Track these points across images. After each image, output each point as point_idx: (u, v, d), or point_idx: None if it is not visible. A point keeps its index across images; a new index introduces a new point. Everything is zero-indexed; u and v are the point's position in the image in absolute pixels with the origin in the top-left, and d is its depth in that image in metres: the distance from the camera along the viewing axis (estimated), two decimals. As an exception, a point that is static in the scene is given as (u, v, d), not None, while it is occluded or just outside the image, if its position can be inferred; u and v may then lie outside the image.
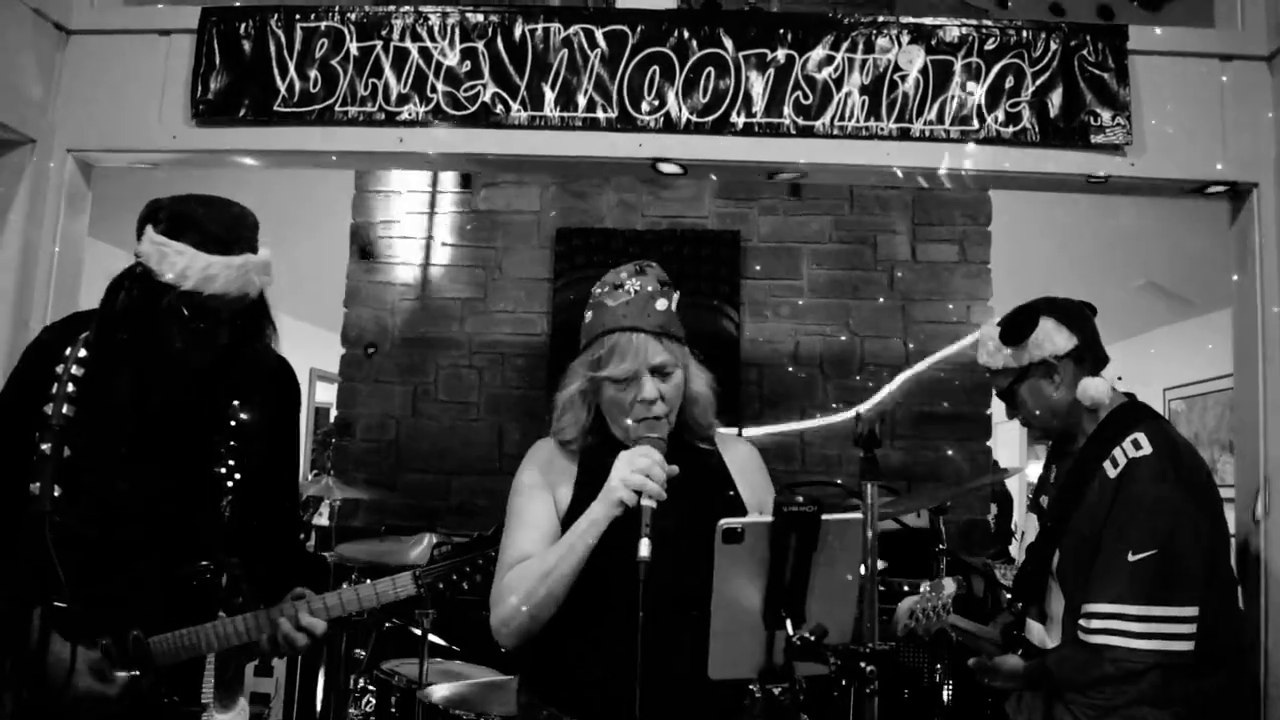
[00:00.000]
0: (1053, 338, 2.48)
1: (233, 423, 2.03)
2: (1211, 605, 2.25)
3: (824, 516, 1.45)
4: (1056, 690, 2.35)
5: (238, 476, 2.01)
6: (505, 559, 1.91)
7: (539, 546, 1.89)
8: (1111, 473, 2.34)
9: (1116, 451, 2.36)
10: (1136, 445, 2.34)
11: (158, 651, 1.93)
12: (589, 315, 1.95)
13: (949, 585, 2.63)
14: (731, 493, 1.98)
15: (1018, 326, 2.51)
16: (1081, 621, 2.27)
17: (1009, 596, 2.61)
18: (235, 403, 2.04)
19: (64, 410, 1.91)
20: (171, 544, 1.97)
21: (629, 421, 1.89)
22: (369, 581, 2.01)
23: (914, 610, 2.62)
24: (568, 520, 1.89)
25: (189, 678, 2.03)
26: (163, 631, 1.94)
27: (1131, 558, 2.22)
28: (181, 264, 1.88)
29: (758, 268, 4.93)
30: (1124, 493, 2.30)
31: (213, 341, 1.97)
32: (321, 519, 5.21)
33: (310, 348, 8.79)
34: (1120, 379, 2.54)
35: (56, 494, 1.87)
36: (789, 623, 1.46)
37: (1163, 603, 2.19)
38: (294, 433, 2.24)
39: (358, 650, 3.63)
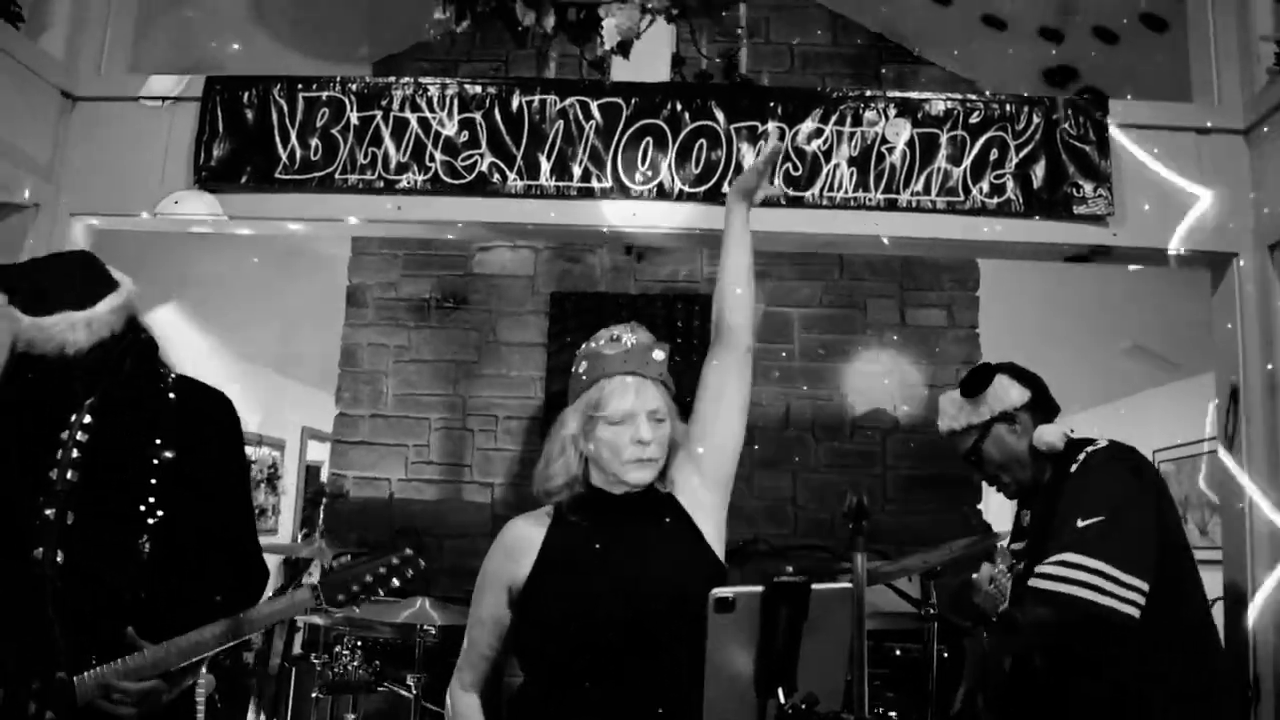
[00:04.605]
0: (1009, 391, 2.66)
1: (155, 461, 2.02)
2: (1171, 595, 2.32)
3: (814, 586, 1.48)
4: None
5: (160, 514, 1.99)
6: (464, 650, 2.04)
7: (491, 639, 2.00)
8: (1072, 470, 2.47)
9: (1077, 459, 2.49)
10: (1093, 444, 2.50)
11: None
12: (583, 365, 2.00)
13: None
14: (692, 528, 2.01)
15: (975, 381, 2.69)
16: (1030, 581, 2.33)
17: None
18: (157, 441, 2.03)
19: (68, 476, 1.92)
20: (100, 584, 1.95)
21: (622, 461, 1.92)
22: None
23: (994, 577, 2.58)
24: (526, 594, 1.94)
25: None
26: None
27: (1080, 523, 2.31)
28: (13, 329, 1.97)
29: (749, 331, 4.97)
30: (1075, 476, 2.44)
31: (67, 396, 2.01)
32: (312, 579, 5.19)
33: (303, 407, 8.82)
34: (1072, 432, 2.64)
35: (59, 560, 1.88)
36: (780, 690, 1.48)
37: (1109, 561, 2.25)
38: (220, 467, 2.17)
39: (348, 715, 3.61)
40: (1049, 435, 2.57)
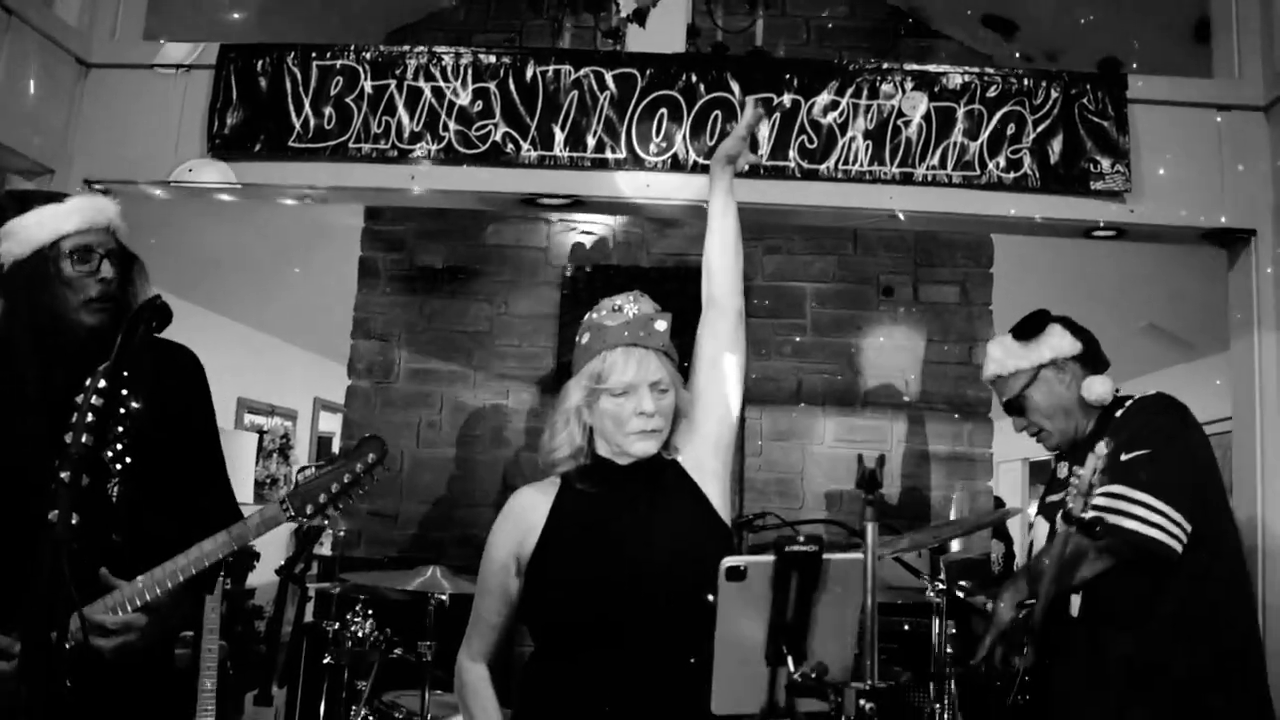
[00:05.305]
0: (1063, 338, 2.65)
1: (122, 410, 2.03)
2: (1212, 541, 2.34)
3: (825, 556, 1.48)
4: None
5: (128, 460, 2.02)
6: (472, 620, 2.06)
7: (499, 608, 2.01)
8: (1118, 415, 2.51)
9: (1124, 405, 2.52)
10: (1141, 394, 2.53)
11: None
12: (586, 337, 2.00)
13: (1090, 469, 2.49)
14: (698, 494, 2.01)
15: (1030, 325, 2.68)
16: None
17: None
18: (124, 391, 2.03)
19: (84, 440, 1.94)
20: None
21: (625, 433, 1.93)
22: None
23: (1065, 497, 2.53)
24: (533, 563, 1.95)
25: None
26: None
27: (1124, 457, 2.32)
28: (36, 219, 2.04)
29: (762, 306, 4.97)
30: (1122, 419, 2.47)
31: (100, 281, 2.06)
32: (324, 549, 5.22)
33: (315, 378, 8.85)
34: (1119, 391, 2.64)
35: (74, 522, 1.90)
36: (790, 660, 1.49)
37: (1153, 494, 2.27)
38: (195, 418, 2.26)
39: (360, 682, 3.64)
40: (1099, 387, 2.57)
